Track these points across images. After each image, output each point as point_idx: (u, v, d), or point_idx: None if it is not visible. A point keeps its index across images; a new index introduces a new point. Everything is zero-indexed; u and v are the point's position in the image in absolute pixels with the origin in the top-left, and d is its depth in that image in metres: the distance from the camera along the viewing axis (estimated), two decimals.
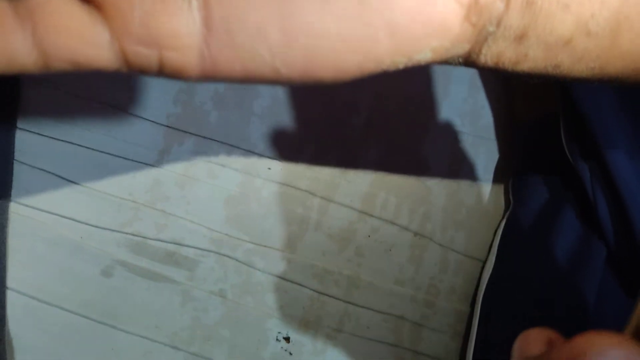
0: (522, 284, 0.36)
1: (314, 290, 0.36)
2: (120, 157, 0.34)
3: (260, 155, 0.36)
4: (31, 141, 0.33)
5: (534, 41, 0.20)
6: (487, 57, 0.20)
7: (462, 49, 0.20)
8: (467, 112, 0.39)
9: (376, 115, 0.37)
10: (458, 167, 0.39)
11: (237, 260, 0.35)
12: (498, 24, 0.19)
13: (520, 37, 0.20)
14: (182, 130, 0.35)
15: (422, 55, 0.20)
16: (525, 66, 0.21)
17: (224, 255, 0.35)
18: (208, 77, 0.19)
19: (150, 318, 0.34)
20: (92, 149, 0.33)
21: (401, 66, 0.20)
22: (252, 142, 0.36)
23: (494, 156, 0.39)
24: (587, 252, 0.33)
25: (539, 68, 0.21)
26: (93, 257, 0.33)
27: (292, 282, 0.36)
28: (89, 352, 0.33)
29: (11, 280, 0.33)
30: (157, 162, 0.34)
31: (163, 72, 0.19)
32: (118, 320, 0.34)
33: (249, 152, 0.35)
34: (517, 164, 0.39)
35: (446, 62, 0.21)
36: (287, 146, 0.36)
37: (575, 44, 0.20)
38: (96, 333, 0.33)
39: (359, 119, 0.37)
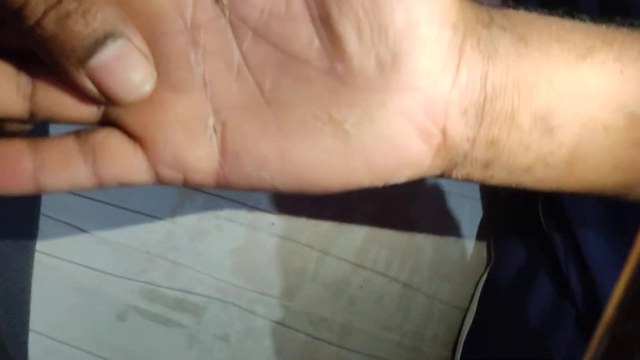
0: (499, 336, 0.39)
1: (309, 335, 0.40)
2: (136, 212, 0.37)
3: (265, 211, 0.39)
4: (56, 196, 0.36)
5: (498, 168, 0.23)
6: (458, 175, 0.24)
7: (434, 173, 0.24)
8: None
9: None
10: (445, 223, 0.42)
11: (240, 307, 0.38)
12: (465, 158, 0.23)
13: (486, 165, 0.23)
14: (194, 188, 0.38)
15: (398, 179, 0.23)
16: (492, 182, 0.24)
17: (229, 302, 0.38)
18: (222, 188, 0.24)
19: (159, 359, 0.37)
20: (111, 205, 0.37)
21: (380, 186, 0.24)
22: (257, 199, 0.39)
23: (478, 214, 0.43)
24: (558, 313, 0.37)
25: (504, 184, 0.24)
26: (109, 302, 0.37)
27: (289, 327, 0.39)
28: None
29: (33, 323, 0.36)
30: (170, 216, 0.38)
31: (187, 185, 0.23)
32: None
33: (254, 208, 0.39)
34: (498, 224, 0.42)
35: (421, 177, 0.25)
36: (288, 203, 0.39)
37: (535, 171, 0.23)
38: None
39: None
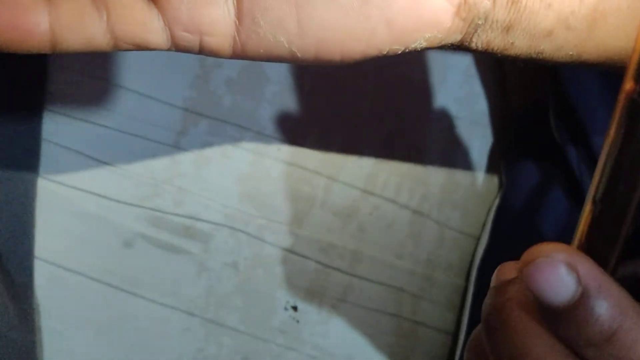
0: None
1: (319, 263, 0.39)
2: (140, 137, 0.36)
3: (270, 136, 0.38)
4: (58, 121, 0.35)
5: (519, 32, 0.23)
6: (478, 44, 0.24)
7: (454, 38, 0.23)
8: (463, 97, 0.41)
9: (379, 101, 0.40)
10: (455, 150, 0.41)
11: (248, 234, 0.38)
12: (486, 19, 0.23)
13: (507, 29, 0.23)
14: (198, 113, 0.37)
15: (417, 44, 0.23)
16: (512, 52, 0.24)
17: (237, 229, 0.38)
18: (238, 57, 0.24)
19: (167, 286, 0.37)
20: (114, 129, 0.36)
21: (399, 52, 0.24)
22: (263, 124, 0.38)
23: (488, 140, 0.42)
24: (574, 227, 0.36)
25: (524, 54, 0.24)
26: (115, 229, 0.36)
27: (299, 255, 0.39)
28: (110, 316, 0.36)
29: (38, 250, 0.35)
30: (174, 142, 0.37)
31: (202, 52, 0.23)
32: (138, 288, 0.36)
33: (260, 133, 0.38)
34: (509, 147, 0.41)
35: (440, 47, 0.24)
36: (295, 129, 0.39)
37: (556, 35, 0.23)
38: (117, 299, 0.36)
39: (362, 104, 0.40)
